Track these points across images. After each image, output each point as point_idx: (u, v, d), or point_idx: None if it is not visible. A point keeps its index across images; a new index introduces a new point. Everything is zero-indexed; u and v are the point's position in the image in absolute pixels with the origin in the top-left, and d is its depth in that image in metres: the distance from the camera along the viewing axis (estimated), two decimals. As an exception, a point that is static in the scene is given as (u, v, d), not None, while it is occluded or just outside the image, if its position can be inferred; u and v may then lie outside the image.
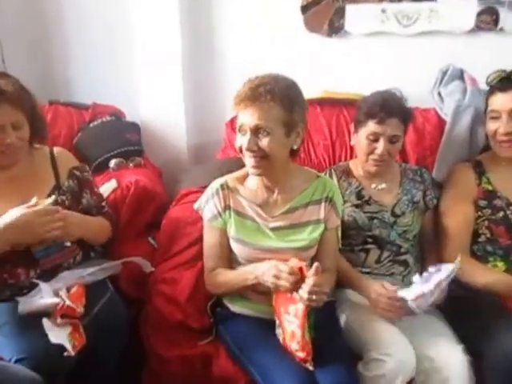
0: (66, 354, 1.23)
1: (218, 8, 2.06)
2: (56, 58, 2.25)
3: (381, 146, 1.48)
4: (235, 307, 1.46)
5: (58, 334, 1.26)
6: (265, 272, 1.31)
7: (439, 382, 1.33)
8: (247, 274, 1.38)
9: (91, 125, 1.97)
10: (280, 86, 1.32)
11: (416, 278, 1.36)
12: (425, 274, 1.35)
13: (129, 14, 2.02)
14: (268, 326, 1.36)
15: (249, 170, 1.39)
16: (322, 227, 1.42)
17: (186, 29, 2.03)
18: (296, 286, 1.26)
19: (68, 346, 1.24)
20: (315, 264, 1.24)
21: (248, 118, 1.31)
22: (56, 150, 1.54)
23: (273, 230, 1.41)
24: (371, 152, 1.51)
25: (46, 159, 1.51)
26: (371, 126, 1.49)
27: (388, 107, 1.47)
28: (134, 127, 2.05)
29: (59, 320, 1.27)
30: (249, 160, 1.35)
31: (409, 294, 1.34)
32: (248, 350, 1.37)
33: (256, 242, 1.40)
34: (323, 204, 1.42)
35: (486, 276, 1.45)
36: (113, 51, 2.18)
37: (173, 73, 2.05)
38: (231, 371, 1.39)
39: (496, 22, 1.87)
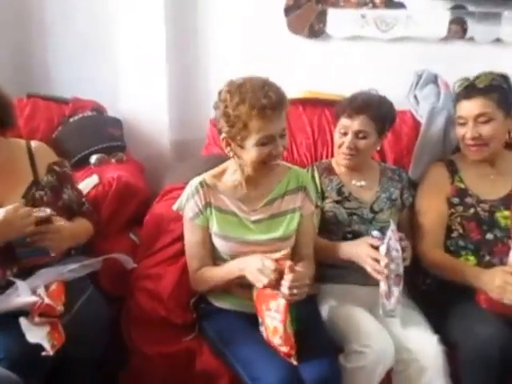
0: (44, 353, 1.16)
1: (203, 5, 2.02)
2: (35, 49, 2.14)
3: (347, 139, 1.53)
4: (220, 302, 1.44)
5: (35, 334, 1.19)
6: (250, 265, 1.30)
7: (417, 371, 1.34)
8: (232, 268, 1.36)
9: (71, 119, 1.89)
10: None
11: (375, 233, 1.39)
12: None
13: (112, 7, 1.96)
14: (252, 320, 1.34)
15: (259, 173, 1.36)
16: (298, 215, 1.43)
17: (170, 25, 1.98)
18: (276, 283, 1.25)
19: (46, 345, 1.17)
20: (288, 263, 1.24)
21: (276, 124, 1.30)
22: (33, 144, 1.45)
23: (254, 222, 1.40)
24: (341, 145, 1.56)
25: (23, 153, 1.41)
26: (342, 121, 1.55)
27: (356, 104, 1.52)
28: (116, 122, 1.97)
29: (37, 319, 1.20)
30: (272, 164, 1.34)
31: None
32: (232, 344, 1.34)
33: (239, 236, 1.38)
34: (300, 193, 1.44)
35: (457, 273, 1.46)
36: (95, 45, 2.10)
37: (156, 67, 2.00)
38: (214, 367, 1.36)
39: (465, 31, 1.92)
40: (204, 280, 1.41)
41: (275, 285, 1.25)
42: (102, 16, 2.03)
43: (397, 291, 1.37)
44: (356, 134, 1.53)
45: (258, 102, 1.25)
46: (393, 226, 1.34)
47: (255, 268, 1.27)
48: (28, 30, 2.12)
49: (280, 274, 1.25)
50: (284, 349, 1.24)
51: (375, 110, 1.52)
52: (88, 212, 1.53)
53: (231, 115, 1.29)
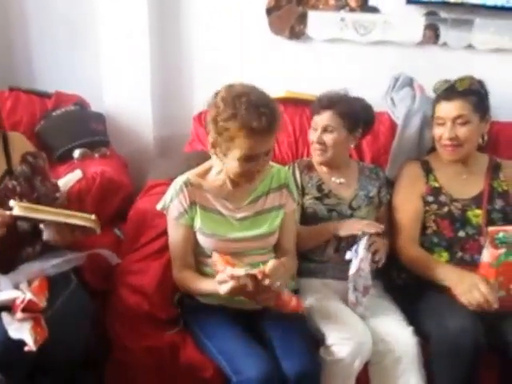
0: (26, 348, 1.10)
1: (186, 3, 1.94)
2: (18, 43, 2.03)
3: (316, 134, 1.53)
4: (203, 297, 1.39)
5: (18, 329, 1.12)
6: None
7: (392, 361, 1.34)
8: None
9: (54, 113, 1.79)
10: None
11: (348, 255, 1.40)
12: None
13: (96, 1, 1.86)
14: (236, 314, 1.31)
15: (240, 181, 1.32)
16: (282, 212, 1.41)
17: (154, 21, 1.90)
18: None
19: (29, 340, 1.10)
20: (257, 270, 1.18)
21: (263, 146, 1.24)
22: (10, 133, 1.36)
23: (239, 220, 1.36)
24: (313, 141, 1.55)
25: None
26: (314, 118, 1.55)
27: (322, 100, 1.53)
28: (99, 117, 1.88)
29: (20, 314, 1.13)
30: (252, 178, 1.31)
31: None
32: (215, 338, 1.31)
33: (223, 234, 1.34)
34: (283, 191, 1.41)
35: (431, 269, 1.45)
36: (78, 39, 2.01)
37: (140, 64, 1.91)
38: (198, 360, 1.32)
39: (438, 37, 1.91)
40: (186, 286, 1.36)
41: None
42: (86, 10, 1.93)
43: (364, 301, 1.39)
44: (324, 129, 1.52)
45: (248, 123, 1.18)
46: (363, 245, 1.35)
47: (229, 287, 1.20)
48: (10, 22, 2.00)
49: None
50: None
51: (342, 107, 1.50)
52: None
53: (219, 125, 1.22)
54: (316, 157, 1.56)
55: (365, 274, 1.36)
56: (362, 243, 1.37)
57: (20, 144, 1.37)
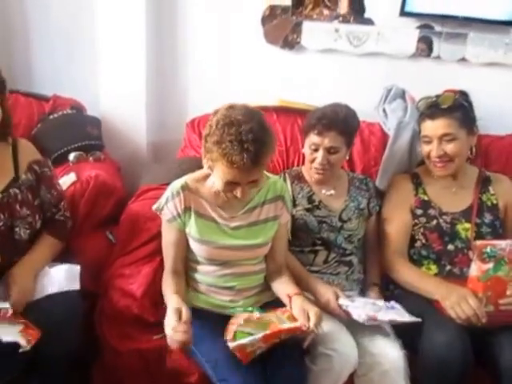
0: (21, 350, 1.07)
1: (183, 10, 1.90)
2: (18, 48, 1.99)
3: (320, 156, 1.44)
4: (194, 300, 1.34)
5: (8, 331, 1.10)
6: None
7: (379, 374, 1.29)
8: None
9: (51, 116, 1.75)
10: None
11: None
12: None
13: (94, 7, 1.82)
14: (223, 320, 1.26)
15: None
16: (277, 224, 1.36)
17: (150, 28, 1.85)
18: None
19: (22, 341, 1.08)
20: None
21: (244, 177, 1.20)
22: (20, 141, 1.33)
23: (233, 229, 1.31)
24: (313, 161, 1.47)
25: (8, 150, 1.30)
26: (312, 137, 1.45)
27: (325, 120, 1.42)
28: (95, 122, 1.84)
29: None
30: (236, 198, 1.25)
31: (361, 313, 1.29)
32: (202, 344, 1.25)
33: (216, 241, 1.29)
34: (278, 202, 1.36)
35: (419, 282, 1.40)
36: (76, 45, 1.97)
37: (136, 70, 1.87)
38: (184, 365, 1.28)
39: (431, 50, 1.86)
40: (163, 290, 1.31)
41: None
42: (84, 15, 1.89)
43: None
44: (327, 150, 1.44)
45: (228, 156, 1.12)
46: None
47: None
48: (10, 28, 1.97)
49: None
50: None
51: (343, 126, 1.43)
52: (59, 223, 1.38)
53: (207, 146, 1.18)
54: (316, 175, 1.48)
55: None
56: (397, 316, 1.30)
57: (27, 152, 1.34)
